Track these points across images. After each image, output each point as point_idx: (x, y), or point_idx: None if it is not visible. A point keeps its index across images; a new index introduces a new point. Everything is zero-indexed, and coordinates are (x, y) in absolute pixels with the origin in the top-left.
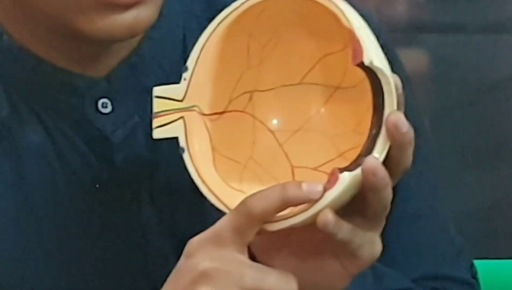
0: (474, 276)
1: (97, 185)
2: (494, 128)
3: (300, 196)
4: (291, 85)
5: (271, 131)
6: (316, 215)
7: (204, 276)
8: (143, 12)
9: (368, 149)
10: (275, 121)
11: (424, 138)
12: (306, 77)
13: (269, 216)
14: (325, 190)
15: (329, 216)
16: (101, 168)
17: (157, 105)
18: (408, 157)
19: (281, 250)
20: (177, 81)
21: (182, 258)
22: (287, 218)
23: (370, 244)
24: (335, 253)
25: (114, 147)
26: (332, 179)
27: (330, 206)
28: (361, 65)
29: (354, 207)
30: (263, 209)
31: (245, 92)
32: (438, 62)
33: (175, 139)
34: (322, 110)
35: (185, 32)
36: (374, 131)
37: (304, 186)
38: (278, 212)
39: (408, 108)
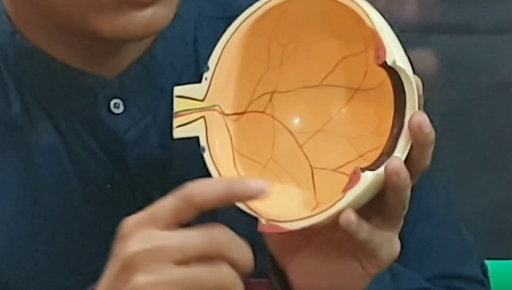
0: (485, 273)
1: (109, 185)
2: (504, 129)
3: (246, 195)
4: (311, 86)
5: (291, 132)
6: (337, 214)
7: (135, 260)
8: (160, 11)
9: (390, 149)
10: (295, 122)
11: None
12: (326, 79)
13: (209, 206)
14: (346, 189)
15: (351, 216)
16: (113, 168)
17: (178, 105)
18: (427, 158)
19: (300, 251)
20: (188, 80)
21: (116, 240)
22: (307, 217)
23: (389, 243)
24: (355, 253)
25: (126, 147)
26: (354, 179)
27: (352, 205)
28: (384, 65)
29: (372, 206)
30: (204, 199)
31: (266, 93)
32: (447, 63)
33: (189, 139)
34: (343, 111)
35: (196, 32)
36: (395, 131)
37: (251, 183)
38: (219, 205)
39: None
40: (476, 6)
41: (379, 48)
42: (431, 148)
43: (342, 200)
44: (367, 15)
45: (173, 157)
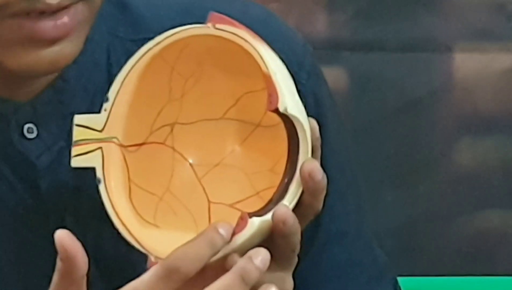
0: None
1: (22, 211)
2: (413, 146)
3: (224, 244)
4: (212, 119)
5: (191, 165)
6: (225, 257)
7: None
8: (67, 48)
9: (281, 195)
10: (195, 155)
11: (348, 158)
12: (227, 113)
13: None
14: (234, 233)
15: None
16: (26, 193)
17: (77, 134)
18: (319, 202)
19: (196, 284)
20: (101, 104)
21: None
22: None
23: (281, 284)
24: None
25: (39, 173)
26: (241, 224)
27: (239, 250)
28: (276, 111)
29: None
30: (197, 269)
31: (166, 125)
32: (357, 80)
33: (87, 169)
34: (242, 146)
35: (109, 54)
36: (287, 178)
37: (222, 232)
38: None
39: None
40: (386, 24)
41: (272, 94)
42: (323, 194)
43: (229, 244)
44: (262, 59)
45: (86, 182)
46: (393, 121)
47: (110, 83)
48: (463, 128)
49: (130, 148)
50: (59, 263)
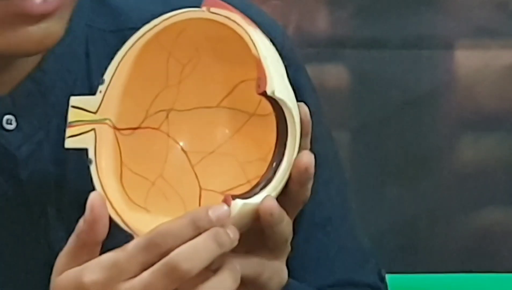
0: (382, 280)
1: (3, 203)
2: (415, 143)
3: (209, 226)
4: (208, 107)
5: (184, 151)
6: None
7: None
8: (54, 26)
9: (268, 180)
10: (189, 141)
11: (331, 145)
12: (223, 101)
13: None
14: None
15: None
16: (7, 185)
17: (72, 115)
18: (307, 191)
19: None
20: (80, 94)
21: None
22: None
23: (279, 273)
24: (244, 284)
25: (20, 164)
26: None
27: None
28: (264, 94)
29: (259, 240)
30: (177, 246)
31: (162, 110)
32: (359, 78)
33: (82, 153)
34: (236, 135)
35: (88, 46)
36: (274, 163)
37: (212, 215)
38: None
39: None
40: (387, 21)
41: (261, 77)
42: (311, 183)
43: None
44: (253, 43)
45: (67, 172)
46: (395, 118)
47: (88, 75)
48: (465, 125)
49: (124, 132)
50: (80, 223)
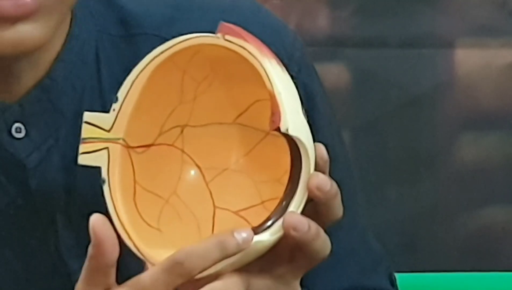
0: (393, 284)
1: (12, 211)
2: (415, 142)
3: (236, 250)
4: (223, 123)
5: (199, 167)
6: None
7: None
8: (31, 30)
9: (279, 215)
10: (204, 158)
11: (341, 148)
12: (239, 118)
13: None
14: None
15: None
16: (16, 193)
17: (85, 131)
18: (338, 207)
19: None
20: (90, 102)
21: None
22: None
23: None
24: None
25: (29, 172)
26: None
27: (233, 264)
28: (278, 130)
29: (282, 256)
30: (202, 269)
31: (177, 126)
32: (359, 77)
33: (92, 168)
34: (251, 153)
35: (98, 52)
36: (285, 202)
37: (238, 237)
38: None
39: (325, 123)
40: (387, 20)
41: (275, 113)
42: (338, 199)
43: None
44: (268, 77)
45: (76, 180)
46: (395, 117)
47: (99, 80)
48: (465, 124)
49: (138, 149)
50: (90, 248)
